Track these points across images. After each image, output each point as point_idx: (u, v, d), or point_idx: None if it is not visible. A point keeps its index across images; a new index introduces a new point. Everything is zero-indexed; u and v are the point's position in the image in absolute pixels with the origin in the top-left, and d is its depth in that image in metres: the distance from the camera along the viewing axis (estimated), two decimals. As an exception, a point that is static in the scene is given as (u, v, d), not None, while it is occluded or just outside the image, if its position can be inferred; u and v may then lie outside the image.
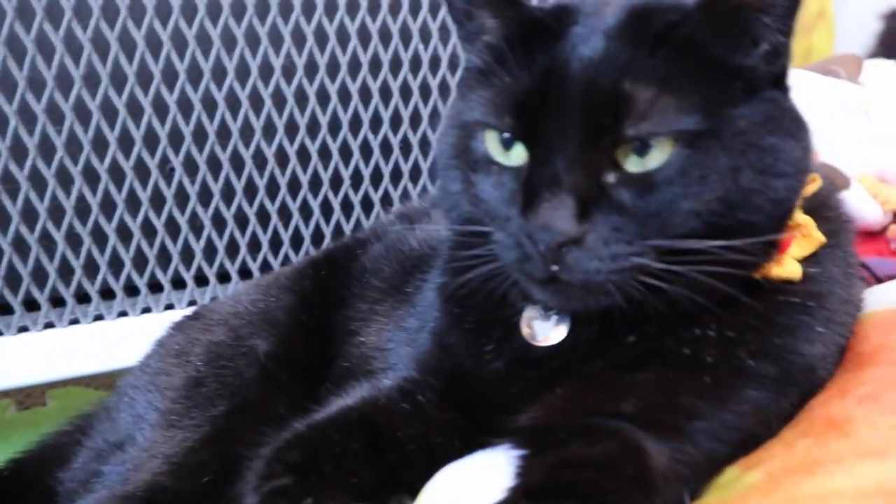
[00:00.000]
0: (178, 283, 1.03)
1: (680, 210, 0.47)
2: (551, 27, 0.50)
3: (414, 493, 0.59)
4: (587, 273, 0.47)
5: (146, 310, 1.03)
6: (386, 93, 1.03)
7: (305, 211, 1.05)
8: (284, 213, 1.05)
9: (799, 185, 0.51)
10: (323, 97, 1.01)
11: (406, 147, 1.06)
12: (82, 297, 1.00)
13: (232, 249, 1.04)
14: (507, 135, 0.50)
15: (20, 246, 0.94)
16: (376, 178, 1.05)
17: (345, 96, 1.02)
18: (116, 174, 0.96)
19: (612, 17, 0.50)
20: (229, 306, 0.84)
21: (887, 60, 1.40)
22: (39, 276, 0.96)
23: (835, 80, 1.19)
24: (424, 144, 1.06)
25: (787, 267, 0.51)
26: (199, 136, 0.97)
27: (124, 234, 0.98)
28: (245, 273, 1.05)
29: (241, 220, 1.03)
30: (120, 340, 1.00)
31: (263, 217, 1.04)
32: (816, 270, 0.53)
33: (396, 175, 1.07)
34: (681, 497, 0.49)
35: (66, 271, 0.97)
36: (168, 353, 0.81)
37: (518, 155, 0.50)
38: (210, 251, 1.03)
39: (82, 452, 0.79)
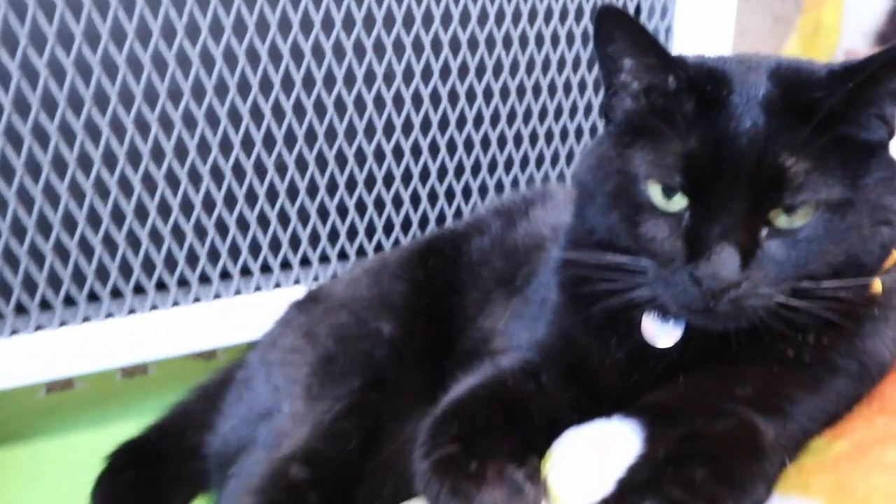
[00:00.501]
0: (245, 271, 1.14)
1: (816, 261, 0.58)
2: (711, 94, 0.60)
3: (542, 456, 0.72)
4: (739, 310, 0.58)
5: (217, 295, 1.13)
6: (471, 94, 1.12)
7: (380, 203, 1.15)
8: (379, 203, 1.14)
9: None
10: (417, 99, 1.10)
11: (486, 143, 1.16)
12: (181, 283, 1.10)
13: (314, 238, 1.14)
14: (674, 186, 0.60)
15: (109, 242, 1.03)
16: (459, 171, 1.16)
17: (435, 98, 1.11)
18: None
19: (762, 87, 0.59)
20: (345, 291, 0.95)
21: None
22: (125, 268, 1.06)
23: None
24: (502, 140, 1.16)
25: (874, 286, 0.63)
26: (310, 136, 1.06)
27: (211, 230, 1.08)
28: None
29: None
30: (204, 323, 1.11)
31: (344, 208, 1.14)
32: (889, 285, 0.65)
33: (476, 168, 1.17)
34: (784, 462, 0.61)
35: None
36: (296, 333, 0.92)
37: (677, 203, 0.60)
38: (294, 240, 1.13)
39: (226, 419, 0.91)
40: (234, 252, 1.09)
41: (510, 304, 0.83)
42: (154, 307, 1.08)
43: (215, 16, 0.96)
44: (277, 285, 1.13)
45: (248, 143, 1.04)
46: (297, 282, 1.14)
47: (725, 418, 0.61)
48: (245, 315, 1.11)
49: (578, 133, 1.20)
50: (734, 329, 0.61)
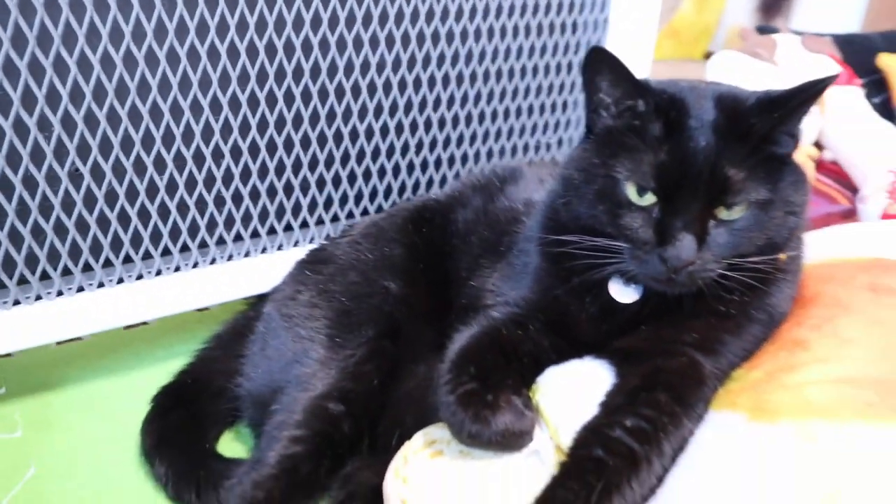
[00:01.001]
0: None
1: (747, 243, 0.80)
2: (674, 118, 0.80)
3: (529, 389, 0.92)
4: (691, 280, 0.79)
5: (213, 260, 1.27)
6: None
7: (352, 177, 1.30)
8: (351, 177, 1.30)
9: (805, 217, 0.85)
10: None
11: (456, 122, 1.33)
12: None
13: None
14: (647, 188, 0.80)
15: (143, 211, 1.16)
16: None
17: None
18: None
19: (710, 113, 0.79)
20: (349, 254, 1.11)
21: (789, 35, 1.75)
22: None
23: (763, 63, 1.54)
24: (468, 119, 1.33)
25: (781, 259, 0.86)
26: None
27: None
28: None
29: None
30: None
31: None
32: (791, 255, 0.89)
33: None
34: (717, 387, 0.85)
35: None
36: (312, 290, 1.08)
37: (648, 200, 0.80)
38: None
39: (255, 366, 1.07)
40: (229, 222, 1.22)
41: (497, 268, 1.02)
42: (159, 272, 1.21)
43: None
44: (263, 250, 1.27)
45: (245, 128, 1.17)
46: (279, 247, 1.29)
47: (677, 357, 0.84)
48: (236, 276, 1.25)
49: (530, 111, 1.39)
50: (685, 292, 0.83)
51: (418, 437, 0.93)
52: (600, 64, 0.82)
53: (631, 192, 0.81)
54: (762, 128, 0.79)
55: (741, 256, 0.81)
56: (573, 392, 0.89)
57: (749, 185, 0.79)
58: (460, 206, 1.13)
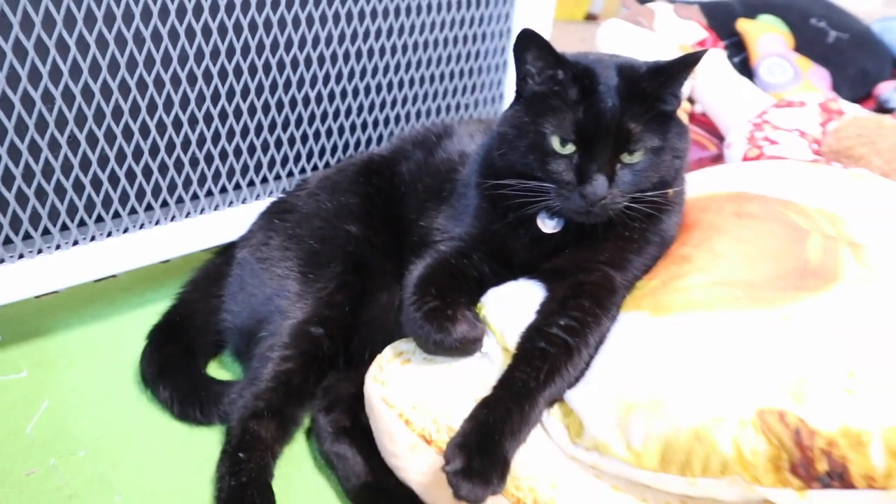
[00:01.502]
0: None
1: (645, 181, 1.03)
2: (587, 85, 1.02)
3: (475, 306, 1.14)
4: (604, 211, 1.02)
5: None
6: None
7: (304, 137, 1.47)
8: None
9: (687, 160, 1.09)
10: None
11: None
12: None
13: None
14: (568, 140, 1.02)
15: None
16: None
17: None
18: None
19: (614, 79, 1.00)
20: (309, 204, 1.29)
21: (663, 4, 2.02)
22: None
23: (645, 30, 1.79)
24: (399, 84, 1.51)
25: (669, 194, 1.11)
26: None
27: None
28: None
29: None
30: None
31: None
32: (677, 190, 1.13)
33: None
34: (625, 295, 1.09)
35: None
36: (282, 235, 1.26)
37: (569, 149, 1.01)
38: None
39: (236, 303, 1.24)
40: (187, 183, 1.37)
41: (441, 210, 1.22)
42: (142, 226, 1.35)
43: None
44: (216, 207, 1.42)
45: (215, 97, 1.32)
46: (230, 204, 1.44)
47: (594, 272, 1.07)
48: (197, 230, 1.40)
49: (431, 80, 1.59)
50: (598, 222, 1.06)
51: (388, 350, 1.13)
52: (528, 41, 1.02)
53: (555, 143, 1.03)
54: (653, 90, 1.03)
55: (641, 192, 1.04)
56: (513, 305, 1.11)
57: (645, 135, 1.02)
58: (404, 160, 1.32)
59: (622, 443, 0.92)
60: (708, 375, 0.91)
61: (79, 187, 1.25)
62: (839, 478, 0.84)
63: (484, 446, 0.89)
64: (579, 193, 1.01)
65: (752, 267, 1.06)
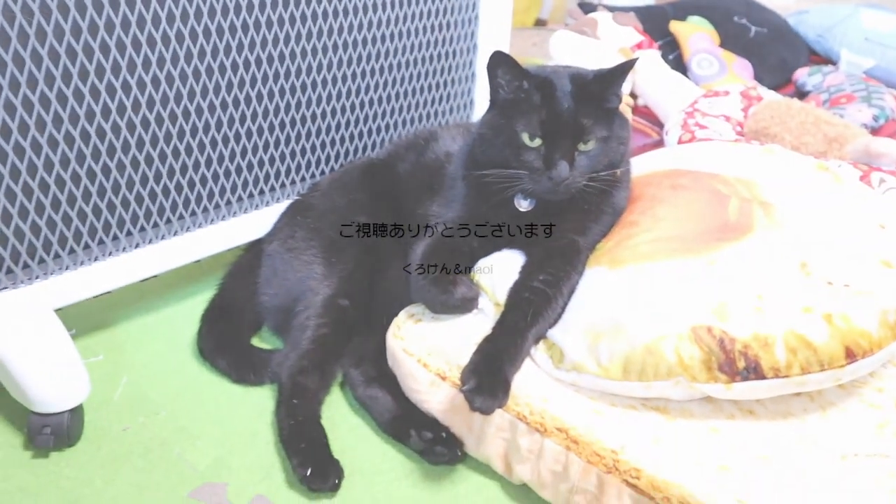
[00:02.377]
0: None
1: (598, 164, 1.30)
2: (547, 91, 1.29)
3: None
4: (567, 190, 1.30)
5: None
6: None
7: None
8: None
9: (630, 146, 1.39)
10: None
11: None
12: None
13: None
14: (535, 135, 1.30)
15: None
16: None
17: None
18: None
19: (568, 86, 1.28)
20: (325, 202, 1.55)
21: (604, 13, 2.31)
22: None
23: (589, 38, 2.08)
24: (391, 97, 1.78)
25: (616, 173, 1.40)
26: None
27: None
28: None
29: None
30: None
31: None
32: (622, 170, 1.42)
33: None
34: (588, 255, 1.38)
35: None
36: (304, 229, 1.52)
37: (537, 142, 1.28)
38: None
39: (271, 286, 1.50)
40: (210, 194, 1.62)
41: (434, 199, 1.49)
42: (176, 233, 1.59)
43: None
44: (234, 214, 1.68)
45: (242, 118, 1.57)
46: (246, 210, 1.69)
47: (563, 239, 1.36)
48: (221, 235, 1.65)
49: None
50: (563, 199, 1.34)
51: (403, 314, 1.41)
52: (499, 60, 1.29)
53: (526, 138, 1.30)
54: (599, 92, 1.31)
55: (595, 173, 1.33)
56: (500, 269, 1.39)
57: (595, 128, 1.30)
58: (399, 161, 1.59)
59: (594, 362, 1.21)
60: (654, 306, 1.21)
61: (125, 202, 1.50)
62: (754, 371, 1.13)
63: (490, 370, 1.17)
64: (547, 177, 1.29)
65: (685, 226, 1.35)
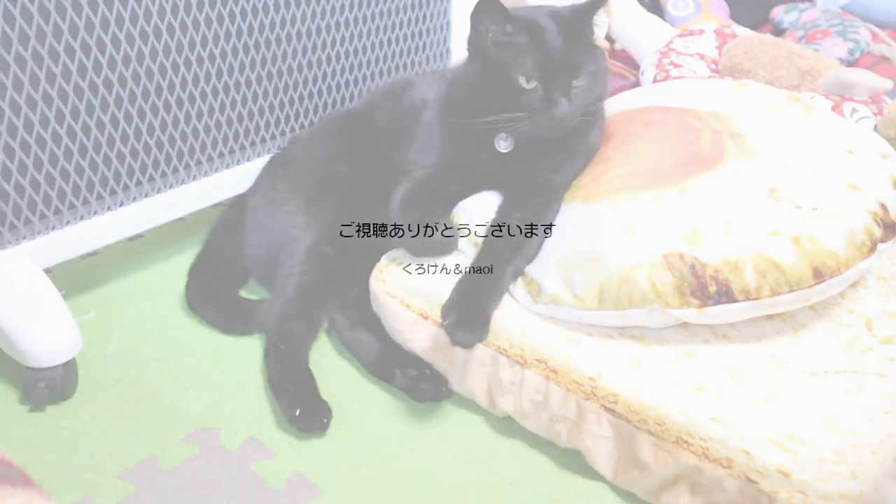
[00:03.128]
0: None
1: (589, 98, 1.33)
2: (533, 32, 1.29)
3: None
4: (567, 125, 1.31)
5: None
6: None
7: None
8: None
9: (607, 77, 1.41)
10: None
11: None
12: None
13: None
14: (532, 77, 1.29)
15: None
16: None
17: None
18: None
19: (552, 24, 1.29)
20: (306, 153, 1.57)
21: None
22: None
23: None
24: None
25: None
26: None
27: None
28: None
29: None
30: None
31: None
32: (598, 106, 1.44)
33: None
34: (564, 192, 1.40)
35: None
36: (286, 180, 1.54)
37: (533, 84, 1.28)
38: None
39: (255, 237, 1.52)
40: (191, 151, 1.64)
41: (412, 145, 1.51)
42: (159, 191, 1.61)
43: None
44: (216, 170, 1.70)
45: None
46: (238, 162, 1.71)
47: (539, 178, 1.38)
48: (203, 191, 1.67)
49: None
50: (559, 136, 1.35)
51: (384, 258, 1.43)
52: (486, 4, 1.29)
53: (523, 81, 1.30)
54: (580, 27, 1.33)
55: (587, 106, 1.35)
56: (478, 210, 1.41)
57: (585, 63, 1.31)
58: (377, 110, 1.61)
59: (570, 293, 1.24)
60: (627, 235, 1.24)
61: (107, 161, 1.51)
62: (725, 295, 1.17)
63: (469, 305, 1.20)
64: (549, 116, 1.29)
65: (658, 159, 1.38)
